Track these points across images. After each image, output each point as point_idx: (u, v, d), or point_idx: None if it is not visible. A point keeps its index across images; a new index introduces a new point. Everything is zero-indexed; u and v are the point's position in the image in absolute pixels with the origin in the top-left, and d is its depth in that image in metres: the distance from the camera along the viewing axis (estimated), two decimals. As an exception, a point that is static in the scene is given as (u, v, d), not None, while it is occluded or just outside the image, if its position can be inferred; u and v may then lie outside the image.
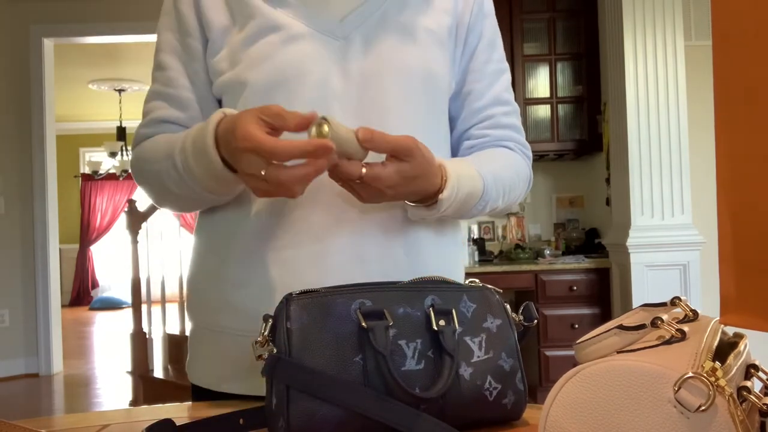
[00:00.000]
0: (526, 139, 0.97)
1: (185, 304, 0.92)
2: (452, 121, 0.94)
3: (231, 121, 0.69)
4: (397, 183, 0.72)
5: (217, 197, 0.81)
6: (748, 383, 0.44)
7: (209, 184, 0.76)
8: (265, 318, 0.60)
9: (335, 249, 0.80)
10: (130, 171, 0.89)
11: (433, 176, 0.75)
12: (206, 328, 0.87)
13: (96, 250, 10.07)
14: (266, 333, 0.59)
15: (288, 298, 0.60)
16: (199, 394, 0.88)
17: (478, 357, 0.63)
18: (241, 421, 0.63)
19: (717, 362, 0.42)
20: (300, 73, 0.80)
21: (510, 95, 0.95)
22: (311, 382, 0.56)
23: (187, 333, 0.94)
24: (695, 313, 0.53)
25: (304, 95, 0.80)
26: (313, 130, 0.66)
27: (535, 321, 0.70)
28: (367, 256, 0.81)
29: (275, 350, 0.58)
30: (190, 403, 0.80)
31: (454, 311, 0.63)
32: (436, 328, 0.61)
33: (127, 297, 8.92)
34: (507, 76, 0.95)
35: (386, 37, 0.83)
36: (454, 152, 0.94)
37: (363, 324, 0.58)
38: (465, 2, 0.91)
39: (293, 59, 0.81)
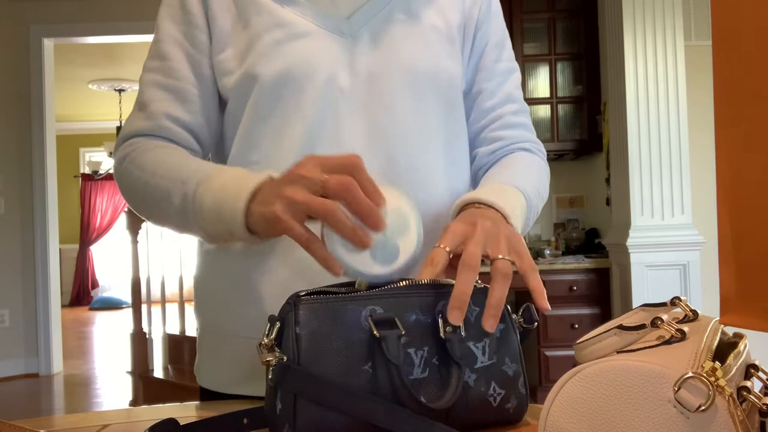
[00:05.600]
0: None
1: (194, 304, 0.91)
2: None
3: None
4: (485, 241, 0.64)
5: (209, 239, 0.75)
6: (748, 383, 0.44)
7: (215, 229, 0.71)
8: (272, 319, 0.58)
9: None
10: (112, 171, 0.86)
11: (501, 219, 0.70)
12: (215, 331, 0.86)
13: (96, 250, 10.07)
14: (272, 337, 0.57)
15: (296, 301, 0.57)
16: (208, 397, 0.87)
17: (482, 363, 0.62)
18: (245, 420, 0.62)
19: (717, 362, 0.42)
20: (308, 71, 0.79)
21: (520, 94, 0.94)
22: (322, 391, 0.54)
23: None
24: (695, 313, 0.53)
25: (311, 93, 0.79)
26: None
27: (536, 324, 0.68)
28: None
29: (284, 357, 0.56)
30: (191, 402, 0.80)
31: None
32: (443, 336, 0.59)
33: (127, 297, 8.92)
34: (517, 75, 0.95)
35: (393, 34, 0.83)
36: (470, 149, 0.93)
37: (375, 333, 0.56)
38: (473, 0, 0.91)
39: (301, 56, 0.79)
